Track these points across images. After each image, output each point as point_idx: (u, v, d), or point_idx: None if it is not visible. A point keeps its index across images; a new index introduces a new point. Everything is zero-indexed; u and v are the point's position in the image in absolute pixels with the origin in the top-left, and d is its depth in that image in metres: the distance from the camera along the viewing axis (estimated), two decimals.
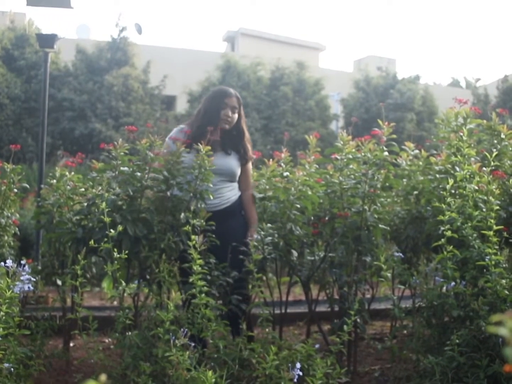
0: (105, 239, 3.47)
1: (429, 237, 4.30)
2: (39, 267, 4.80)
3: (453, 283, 3.44)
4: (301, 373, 3.19)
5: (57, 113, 17.43)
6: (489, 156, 3.83)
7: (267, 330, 3.88)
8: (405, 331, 4.14)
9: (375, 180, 4.19)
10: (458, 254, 3.46)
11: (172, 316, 3.30)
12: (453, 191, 3.78)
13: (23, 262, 3.26)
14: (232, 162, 4.31)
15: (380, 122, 4.30)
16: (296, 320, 5.96)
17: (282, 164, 4.81)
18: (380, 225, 4.20)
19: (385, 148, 4.25)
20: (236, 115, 4.31)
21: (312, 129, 18.00)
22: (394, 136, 4.25)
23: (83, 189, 4.37)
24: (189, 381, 3.09)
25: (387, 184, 4.32)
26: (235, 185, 4.35)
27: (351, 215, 4.21)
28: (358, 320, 4.13)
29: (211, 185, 4.01)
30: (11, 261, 3.21)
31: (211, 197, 4.03)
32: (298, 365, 3.19)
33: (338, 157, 4.29)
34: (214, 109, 4.26)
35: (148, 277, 4.20)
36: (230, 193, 4.28)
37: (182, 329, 3.33)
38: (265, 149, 16.77)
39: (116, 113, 17.76)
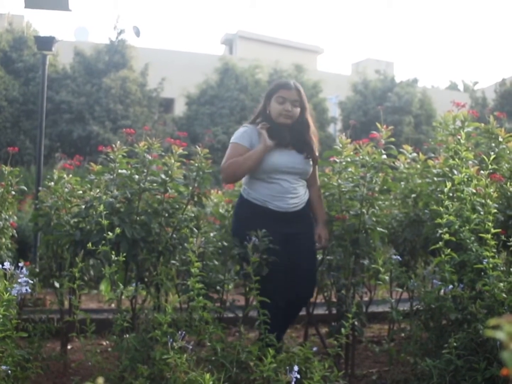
0: (103, 242, 3.47)
1: (427, 240, 4.30)
2: (37, 270, 4.79)
3: (450, 286, 3.44)
4: (298, 376, 3.18)
5: (55, 115, 17.42)
6: (487, 159, 3.83)
7: None
8: (403, 334, 4.13)
9: (373, 183, 4.20)
10: (456, 257, 3.46)
11: (169, 318, 3.30)
12: (451, 194, 3.79)
13: (20, 264, 3.25)
14: (303, 160, 4.00)
15: (378, 125, 4.31)
16: (294, 322, 5.95)
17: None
18: (378, 228, 4.20)
19: (383, 151, 4.25)
20: (297, 109, 3.95)
21: None
22: (392, 139, 4.26)
23: (81, 192, 4.37)
24: (187, 383, 3.09)
25: (385, 187, 4.33)
26: (305, 183, 4.07)
27: (349, 218, 4.22)
28: (356, 323, 4.13)
29: (290, 184, 3.91)
30: (8, 263, 3.20)
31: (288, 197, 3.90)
32: (295, 368, 3.19)
33: (337, 160, 4.29)
34: (272, 105, 3.99)
35: (146, 279, 4.20)
36: (305, 192, 4.03)
37: (179, 332, 3.33)
38: None
39: (114, 115, 17.76)
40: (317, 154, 4.08)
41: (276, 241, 3.70)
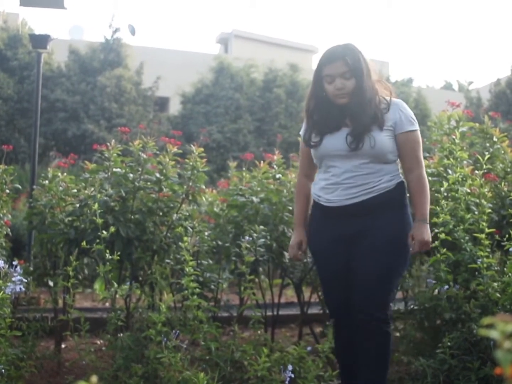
0: (97, 240, 3.47)
1: None
2: (31, 268, 4.78)
3: (446, 287, 3.45)
4: (292, 375, 3.19)
5: (50, 114, 17.39)
6: (481, 159, 3.84)
7: (259, 332, 3.88)
8: (397, 334, 4.14)
9: None
10: (451, 256, 3.47)
11: (164, 317, 3.30)
12: (445, 194, 3.79)
13: (15, 263, 3.25)
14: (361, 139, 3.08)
15: None
16: (288, 322, 5.95)
17: (274, 166, 4.81)
18: None
19: None
20: (350, 81, 3.06)
21: None
22: None
23: (75, 190, 4.36)
24: (181, 382, 3.09)
25: None
26: (384, 167, 3.12)
27: None
28: None
29: (345, 172, 3.11)
30: (2, 262, 3.19)
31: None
32: (289, 367, 3.19)
33: None
34: (319, 87, 3.16)
35: (140, 278, 4.20)
36: (379, 180, 3.10)
37: (174, 331, 3.33)
38: (257, 151, 16.77)
39: (109, 114, 17.74)
40: (398, 118, 3.12)
41: (324, 242, 3.20)
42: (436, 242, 3.47)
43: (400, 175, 3.18)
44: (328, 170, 3.17)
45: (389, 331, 3.09)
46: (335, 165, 3.13)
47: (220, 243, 4.64)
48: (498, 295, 3.26)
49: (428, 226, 3.10)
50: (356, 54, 3.11)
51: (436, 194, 3.76)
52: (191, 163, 4.15)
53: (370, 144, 3.04)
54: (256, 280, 4.50)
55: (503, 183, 4.00)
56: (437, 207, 3.53)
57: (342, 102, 3.10)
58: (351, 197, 3.07)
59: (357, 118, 3.07)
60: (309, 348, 3.73)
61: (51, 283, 4.42)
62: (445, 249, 3.46)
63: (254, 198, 4.56)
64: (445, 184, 3.66)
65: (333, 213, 3.13)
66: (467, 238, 3.47)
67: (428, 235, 3.07)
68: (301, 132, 3.32)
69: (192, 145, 4.18)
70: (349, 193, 3.07)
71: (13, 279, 3.15)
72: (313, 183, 3.30)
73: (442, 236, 3.46)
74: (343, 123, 3.14)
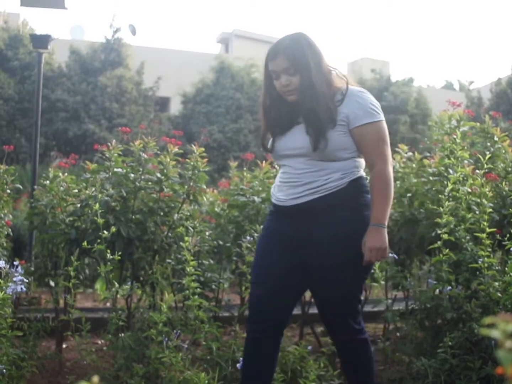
0: (98, 241, 3.47)
1: (422, 239, 4.30)
2: (32, 268, 4.78)
3: (449, 288, 3.44)
4: None
5: (51, 114, 17.41)
6: (482, 158, 3.84)
7: None
8: (398, 334, 4.14)
9: (368, 182, 4.19)
10: (453, 256, 3.47)
11: (165, 317, 3.30)
12: (446, 194, 3.79)
13: (16, 263, 3.25)
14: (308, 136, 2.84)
15: None
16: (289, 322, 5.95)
17: (276, 166, 4.81)
18: None
19: None
20: (295, 77, 2.81)
21: None
22: None
23: (76, 190, 4.36)
24: (182, 382, 3.09)
25: None
26: (335, 166, 2.85)
27: None
28: None
29: (294, 171, 2.90)
30: (3, 262, 3.19)
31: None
32: None
33: None
34: (270, 84, 2.93)
35: (141, 278, 4.20)
36: (328, 178, 2.83)
37: (175, 331, 3.33)
38: (258, 151, 16.76)
39: (110, 114, 17.75)
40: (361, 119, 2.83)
41: (268, 239, 2.98)
42: (439, 243, 3.47)
43: (358, 172, 2.89)
44: (281, 168, 3.02)
45: (365, 337, 3.01)
46: (285, 164, 2.96)
47: (221, 243, 4.64)
48: (499, 294, 3.25)
49: (384, 231, 2.77)
50: (301, 47, 2.84)
51: (435, 195, 3.76)
52: (192, 163, 4.15)
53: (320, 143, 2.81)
54: None
55: (504, 183, 4.00)
56: (440, 208, 3.53)
57: (291, 100, 2.88)
58: (295, 197, 2.85)
59: (311, 116, 2.81)
60: (310, 348, 3.73)
61: (52, 283, 4.42)
62: (447, 250, 3.46)
63: (255, 198, 4.56)
64: (450, 185, 3.65)
65: (281, 212, 2.93)
66: (468, 237, 3.47)
67: (382, 241, 2.75)
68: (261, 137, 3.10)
69: (193, 145, 4.17)
70: (294, 192, 2.86)
71: (14, 279, 3.15)
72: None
73: (445, 236, 3.45)
74: (295, 121, 2.93)
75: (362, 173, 2.94)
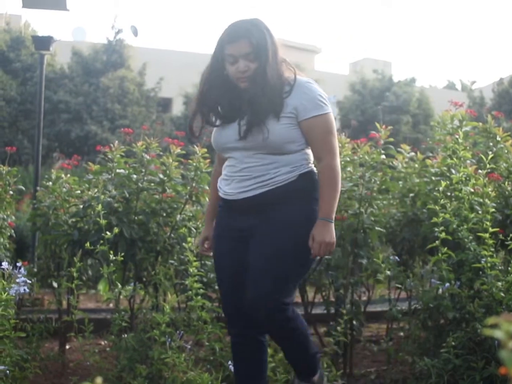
0: (101, 242, 3.47)
1: (424, 239, 4.31)
2: (35, 270, 4.78)
3: (447, 284, 3.45)
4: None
5: (53, 115, 17.44)
6: (484, 158, 3.84)
7: None
8: (401, 333, 4.14)
9: (372, 182, 4.20)
10: (453, 256, 3.47)
11: (168, 318, 3.30)
12: (448, 194, 3.79)
13: (19, 264, 3.25)
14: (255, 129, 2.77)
15: (378, 124, 4.31)
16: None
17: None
18: (376, 228, 4.20)
19: (382, 151, 4.25)
20: (254, 63, 2.74)
21: None
22: (391, 139, 4.25)
23: (79, 191, 4.36)
24: (185, 383, 3.09)
25: (383, 187, 4.32)
26: (284, 158, 2.81)
27: (348, 217, 4.21)
28: (354, 322, 4.13)
29: (240, 164, 2.84)
30: (6, 263, 3.20)
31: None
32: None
33: None
34: (220, 66, 2.83)
35: (144, 279, 4.20)
36: (277, 172, 2.80)
37: (178, 331, 3.33)
38: None
39: (112, 115, 17.78)
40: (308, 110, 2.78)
41: (222, 237, 2.98)
42: (437, 242, 3.47)
43: (308, 165, 2.86)
44: (228, 161, 2.93)
45: (288, 314, 2.79)
46: (232, 156, 2.88)
47: None
48: (502, 294, 3.25)
49: (332, 225, 2.76)
50: (263, 32, 2.78)
51: (437, 194, 3.76)
52: (194, 164, 4.15)
53: (263, 135, 2.73)
54: None
55: (506, 183, 4.00)
56: (437, 206, 3.53)
57: (244, 86, 2.78)
58: (244, 190, 2.80)
59: (254, 106, 2.73)
60: None
61: (55, 284, 4.42)
62: (446, 249, 3.46)
63: None
64: (443, 183, 3.65)
65: (230, 206, 2.89)
66: (470, 237, 3.47)
67: (330, 236, 2.74)
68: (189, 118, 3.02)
69: (195, 146, 4.18)
70: (243, 185, 2.81)
71: (17, 280, 3.16)
72: None
73: (442, 235, 3.45)
74: (239, 110, 2.83)
75: (312, 166, 2.90)
